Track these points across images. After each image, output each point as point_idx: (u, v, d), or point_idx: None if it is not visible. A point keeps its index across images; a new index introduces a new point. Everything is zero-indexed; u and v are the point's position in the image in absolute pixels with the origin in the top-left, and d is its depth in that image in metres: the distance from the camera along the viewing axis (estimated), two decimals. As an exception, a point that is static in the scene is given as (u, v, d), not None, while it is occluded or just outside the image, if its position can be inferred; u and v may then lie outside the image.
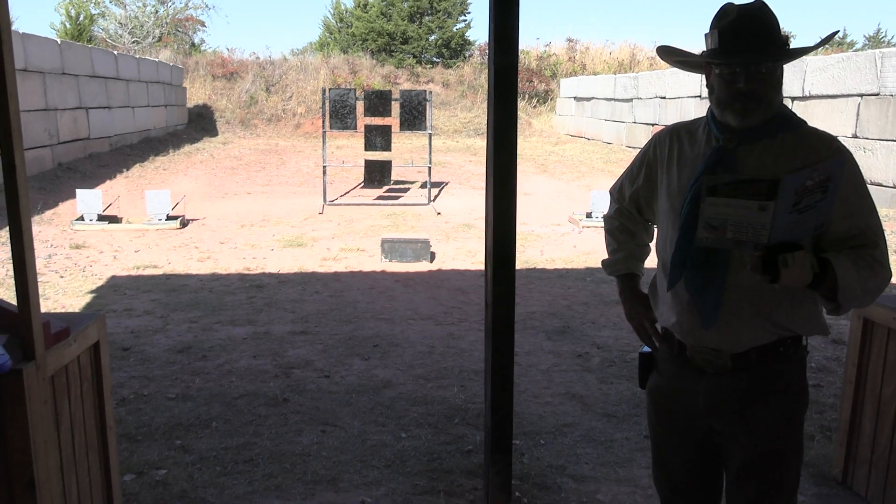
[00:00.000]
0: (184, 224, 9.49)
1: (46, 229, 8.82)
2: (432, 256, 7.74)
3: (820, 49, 2.28)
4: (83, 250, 7.92)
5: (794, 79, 11.65)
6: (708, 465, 1.93)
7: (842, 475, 3.07)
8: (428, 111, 11.54)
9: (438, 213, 10.66)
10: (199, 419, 3.73)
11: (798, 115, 1.78)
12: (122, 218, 9.54)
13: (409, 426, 3.70)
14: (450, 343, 5.04)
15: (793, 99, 11.77)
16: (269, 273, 7.09)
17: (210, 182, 12.86)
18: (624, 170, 2.09)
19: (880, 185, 10.03)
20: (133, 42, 25.84)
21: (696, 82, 14.70)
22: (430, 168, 11.84)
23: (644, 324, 1.98)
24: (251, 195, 11.86)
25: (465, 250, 8.23)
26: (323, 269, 7.30)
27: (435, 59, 27.43)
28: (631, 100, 17.68)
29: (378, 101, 11.27)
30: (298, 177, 13.66)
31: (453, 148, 18.11)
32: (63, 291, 6.29)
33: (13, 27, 12.31)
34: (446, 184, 13.20)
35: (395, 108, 11.83)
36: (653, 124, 16.53)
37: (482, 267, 6.29)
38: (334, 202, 11.38)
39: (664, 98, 16.18)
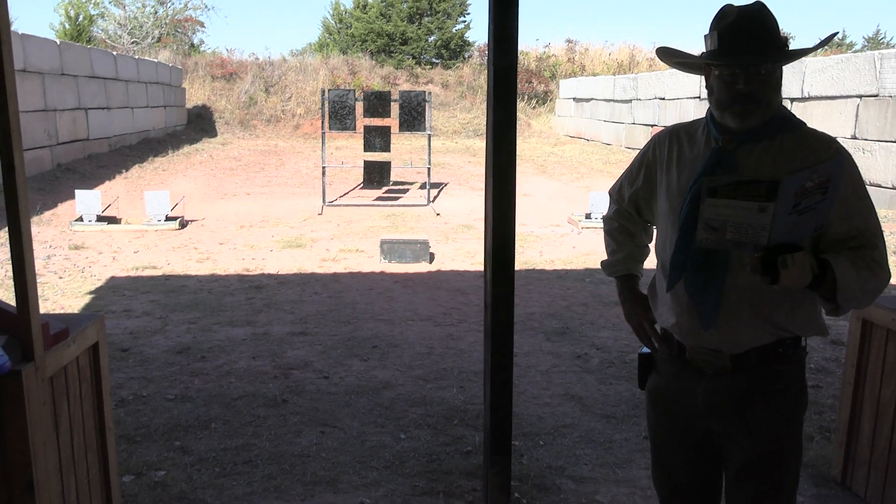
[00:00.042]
0: (183, 225, 9.48)
1: (45, 230, 8.81)
2: (431, 257, 7.74)
3: (819, 50, 2.28)
4: (82, 251, 7.92)
5: (794, 80, 11.66)
6: (707, 465, 1.93)
7: (841, 476, 3.07)
8: (427, 112, 11.54)
9: (438, 214, 10.66)
10: (198, 420, 3.73)
11: (797, 116, 1.78)
12: (121, 219, 9.54)
13: (409, 427, 3.69)
14: (449, 344, 5.04)
15: (792, 100, 11.78)
16: (268, 274, 7.09)
17: (209, 183, 12.86)
18: (623, 171, 2.10)
19: (879, 186, 10.04)
20: (132, 43, 25.84)
21: (695, 83, 14.71)
22: (429, 169, 11.84)
23: (643, 325, 1.98)
24: (250, 196, 11.86)
25: (464, 251, 8.23)
26: (322, 269, 7.30)
27: (434, 59, 27.45)
28: (630, 101, 17.69)
29: (377, 102, 11.27)
30: (298, 178, 13.66)
31: (452, 149, 18.12)
32: (62, 292, 6.28)
33: (12, 28, 12.30)
34: (445, 185, 13.20)
35: (395, 108, 11.84)
36: (652, 125, 16.54)
37: (481, 268, 6.29)
38: (333, 203, 11.38)
39: (663, 99, 16.19)
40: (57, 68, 12.57)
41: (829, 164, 1.55)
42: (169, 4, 28.36)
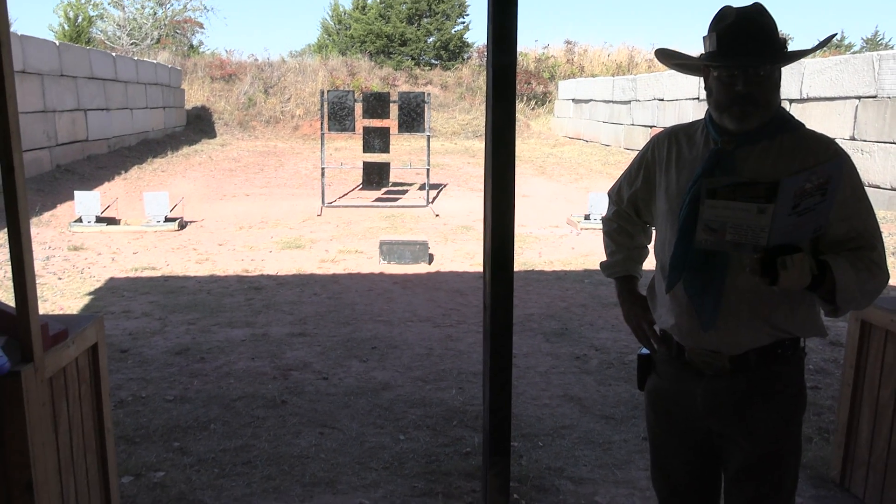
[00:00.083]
0: (182, 226, 9.48)
1: (44, 231, 8.81)
2: (431, 258, 7.74)
3: (818, 52, 2.29)
4: (81, 252, 7.92)
5: (792, 81, 11.68)
6: (706, 466, 1.93)
7: (839, 477, 3.07)
8: (426, 113, 11.55)
9: (437, 215, 10.67)
10: (197, 421, 3.73)
11: (796, 117, 1.79)
12: (120, 220, 9.54)
13: (408, 428, 3.69)
14: (448, 345, 5.04)
15: (791, 101, 11.79)
16: (267, 275, 7.09)
17: (208, 184, 12.85)
18: (622, 172, 2.10)
19: (878, 187, 10.05)
20: (131, 44, 25.83)
21: (693, 84, 14.72)
22: (428, 170, 11.84)
23: (642, 326, 1.98)
24: (249, 197, 11.86)
25: (463, 252, 8.23)
26: (321, 270, 7.30)
27: (433, 61, 27.44)
28: (629, 102, 17.70)
29: (376, 103, 11.28)
30: (297, 178, 13.66)
31: (451, 150, 18.12)
32: (61, 293, 6.28)
33: (11, 29, 12.30)
34: (445, 186, 13.21)
35: (394, 109, 11.84)
36: (651, 126, 16.55)
37: (480, 269, 6.29)
38: (333, 204, 11.38)
39: (662, 100, 16.21)
40: (56, 69, 12.56)
41: (828, 165, 1.56)
42: (168, 6, 28.38)
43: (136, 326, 5.33)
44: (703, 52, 1.76)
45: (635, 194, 2.01)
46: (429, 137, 12.07)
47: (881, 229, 1.74)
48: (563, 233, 9.47)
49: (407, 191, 12.85)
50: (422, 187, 12.49)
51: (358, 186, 12.58)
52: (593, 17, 62.66)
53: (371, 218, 10.37)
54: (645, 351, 2.00)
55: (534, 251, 8.31)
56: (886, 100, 10.04)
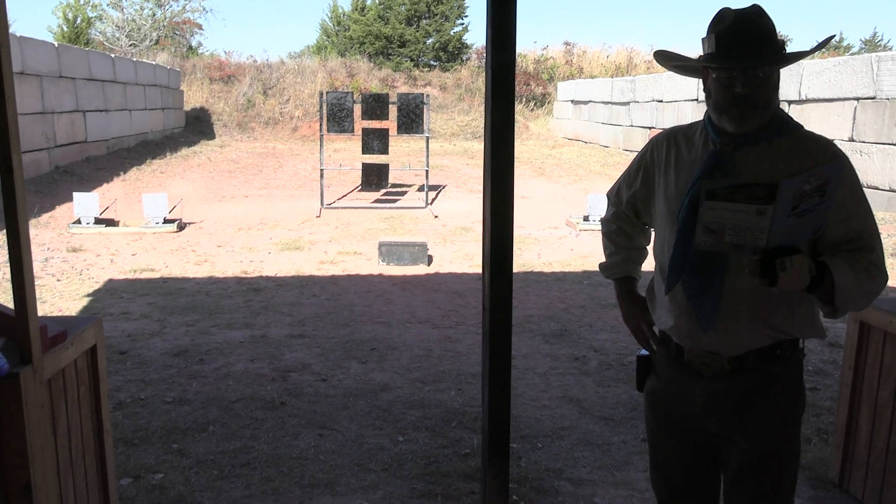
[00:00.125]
0: (181, 227, 9.48)
1: (43, 232, 8.80)
2: (430, 260, 7.74)
3: (816, 53, 2.29)
4: (80, 254, 7.91)
5: (791, 82, 11.69)
6: (706, 467, 1.93)
7: (838, 478, 3.07)
8: (425, 114, 11.55)
9: (436, 217, 10.67)
10: (196, 423, 3.73)
11: (794, 118, 1.79)
12: (119, 221, 9.53)
13: (407, 430, 3.69)
14: (447, 346, 5.04)
15: (789, 102, 11.80)
16: (266, 276, 7.09)
17: (207, 185, 12.85)
18: (621, 173, 2.10)
19: (876, 188, 10.06)
20: (130, 45, 25.83)
21: (692, 86, 14.74)
22: (427, 171, 11.84)
23: (641, 327, 1.98)
24: (248, 198, 11.85)
25: (462, 253, 8.23)
26: (320, 272, 7.30)
27: (432, 62, 27.43)
28: (628, 103, 17.71)
29: (375, 105, 11.28)
30: (296, 180, 13.66)
31: (451, 151, 18.12)
32: (60, 295, 6.27)
33: (10, 30, 12.29)
34: (444, 187, 13.21)
35: (393, 111, 11.84)
36: (650, 128, 16.56)
37: (479, 270, 6.29)
38: (332, 205, 11.38)
39: (661, 101, 16.22)
40: (55, 71, 12.56)
41: (827, 166, 1.56)
42: (167, 7, 28.37)
43: (135, 328, 5.33)
44: (702, 53, 1.76)
45: (634, 196, 2.01)
46: (428, 139, 12.07)
47: (880, 230, 1.75)
48: (562, 234, 9.48)
49: (406, 192, 12.85)
50: (421, 188, 12.49)
51: (357, 188, 12.58)
52: (592, 19, 62.76)
53: (370, 219, 10.37)
54: (644, 352, 2.00)
55: (533, 252, 8.31)
56: (885, 101, 10.05)
